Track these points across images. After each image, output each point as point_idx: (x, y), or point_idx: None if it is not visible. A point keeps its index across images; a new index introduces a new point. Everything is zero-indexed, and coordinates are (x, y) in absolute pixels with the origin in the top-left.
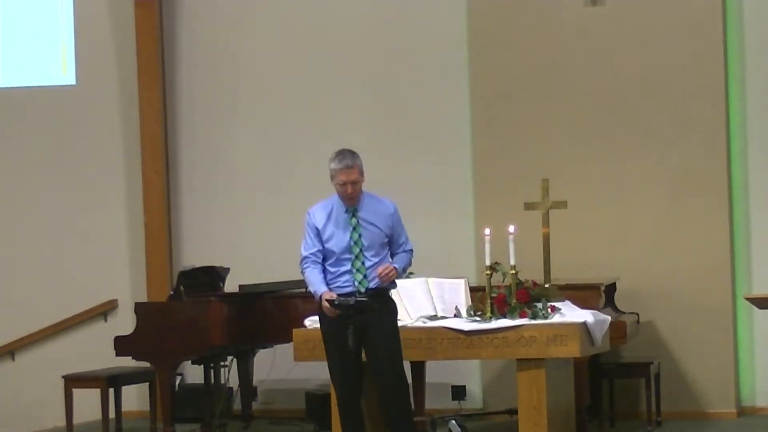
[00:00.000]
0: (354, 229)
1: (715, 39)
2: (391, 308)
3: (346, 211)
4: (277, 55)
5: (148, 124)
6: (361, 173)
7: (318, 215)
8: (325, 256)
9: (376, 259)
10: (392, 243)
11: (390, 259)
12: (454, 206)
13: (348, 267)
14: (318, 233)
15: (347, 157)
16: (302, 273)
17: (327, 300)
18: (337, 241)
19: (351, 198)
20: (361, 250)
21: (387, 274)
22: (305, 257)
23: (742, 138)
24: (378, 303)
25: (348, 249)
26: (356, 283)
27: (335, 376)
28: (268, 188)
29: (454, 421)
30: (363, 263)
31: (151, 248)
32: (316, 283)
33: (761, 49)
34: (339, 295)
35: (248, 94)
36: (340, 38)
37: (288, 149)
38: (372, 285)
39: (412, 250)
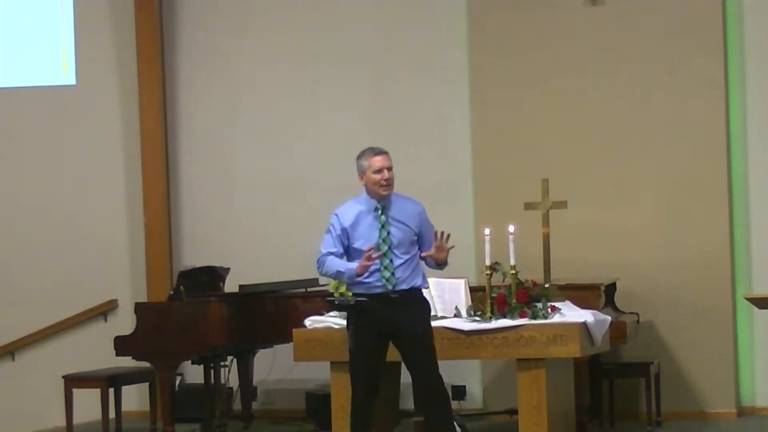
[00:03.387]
0: (383, 226)
1: (715, 38)
2: (425, 310)
3: (375, 209)
4: (276, 55)
5: (148, 124)
6: None
7: (346, 215)
8: (353, 255)
9: (405, 257)
10: (423, 242)
11: (419, 258)
12: (454, 206)
13: (377, 265)
14: (341, 235)
15: (378, 147)
16: (320, 268)
17: (363, 265)
18: (366, 239)
19: (387, 186)
20: (389, 248)
21: (446, 247)
22: (324, 254)
23: (742, 138)
24: (410, 305)
25: (376, 247)
26: (384, 281)
27: (353, 374)
28: (268, 188)
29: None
30: (391, 261)
31: (151, 248)
32: (344, 264)
33: (761, 49)
34: (368, 295)
35: (248, 94)
36: (340, 38)
37: (288, 149)
38: (402, 286)
39: None
